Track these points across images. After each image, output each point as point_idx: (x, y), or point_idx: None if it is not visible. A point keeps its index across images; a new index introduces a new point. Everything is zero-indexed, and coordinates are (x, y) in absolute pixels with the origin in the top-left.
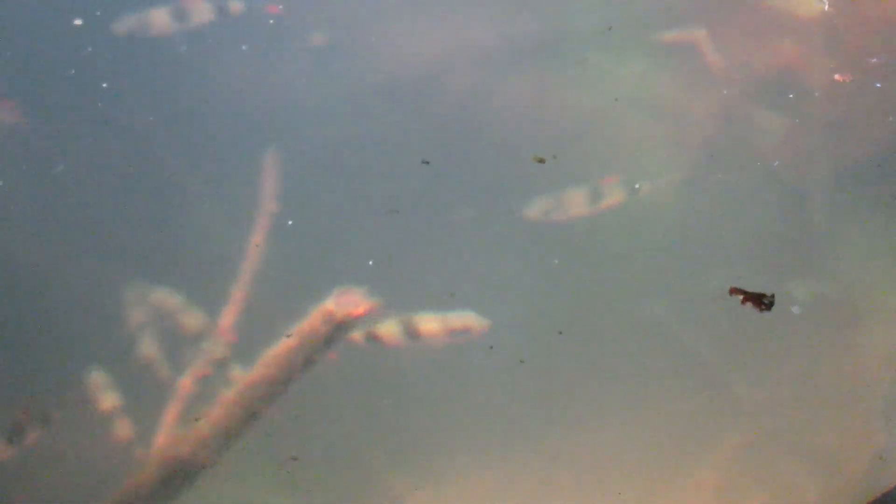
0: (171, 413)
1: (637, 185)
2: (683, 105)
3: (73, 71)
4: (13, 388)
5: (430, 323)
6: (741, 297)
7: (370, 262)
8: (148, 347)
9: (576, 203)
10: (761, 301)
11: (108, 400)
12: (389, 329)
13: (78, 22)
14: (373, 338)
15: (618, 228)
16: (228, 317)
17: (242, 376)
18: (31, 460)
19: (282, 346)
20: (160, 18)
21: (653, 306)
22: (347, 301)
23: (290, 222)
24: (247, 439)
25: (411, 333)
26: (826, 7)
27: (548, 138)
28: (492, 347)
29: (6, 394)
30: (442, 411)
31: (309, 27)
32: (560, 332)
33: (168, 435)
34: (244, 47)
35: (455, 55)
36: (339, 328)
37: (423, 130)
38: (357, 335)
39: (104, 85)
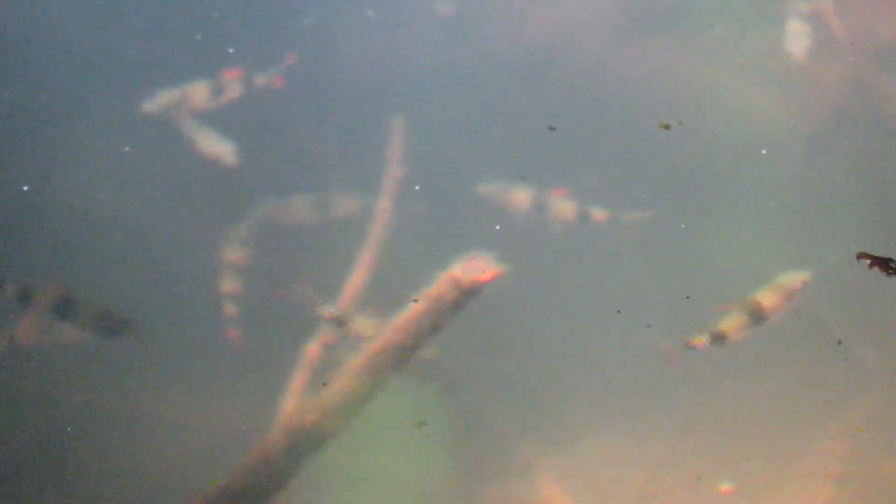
0: (297, 381)
1: (764, 151)
2: (809, 72)
3: (200, 36)
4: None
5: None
6: (868, 261)
7: (497, 227)
8: (274, 314)
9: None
10: (889, 266)
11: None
12: None
13: None
14: None
15: (744, 193)
16: (356, 282)
17: (370, 343)
18: (167, 426)
19: (409, 312)
20: None
21: (780, 271)
22: (474, 267)
23: (416, 187)
24: (373, 406)
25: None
26: None
27: (674, 105)
28: (619, 311)
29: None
30: (569, 378)
31: None
32: (687, 297)
33: (295, 403)
34: (370, 13)
35: (580, 23)
36: (466, 294)
37: (548, 97)
38: None
39: (230, 50)
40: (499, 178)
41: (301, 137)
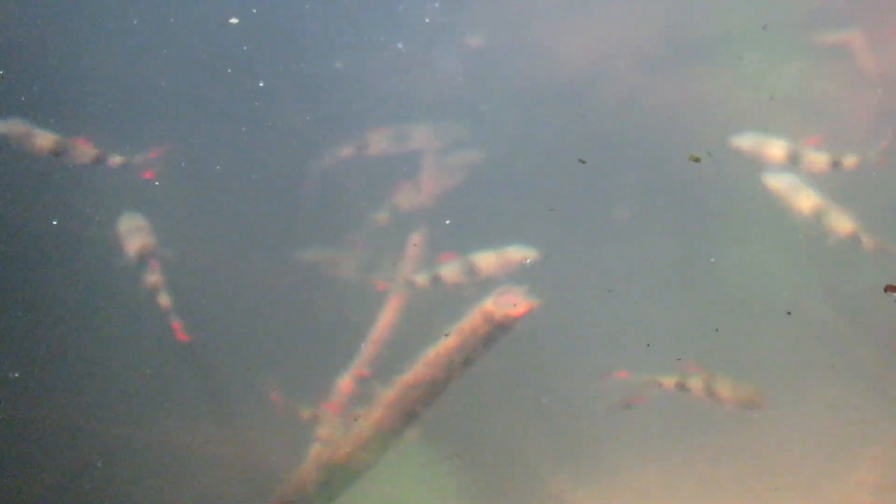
0: (330, 414)
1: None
2: (837, 104)
3: (230, 70)
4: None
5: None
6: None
7: (527, 260)
8: (307, 347)
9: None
10: None
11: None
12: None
13: (234, 20)
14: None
15: (775, 226)
16: (387, 316)
17: (402, 377)
18: (201, 460)
19: (441, 346)
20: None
21: (810, 302)
22: (507, 301)
23: (447, 221)
24: (407, 438)
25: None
26: None
27: (704, 137)
28: (649, 345)
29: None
30: (602, 410)
31: (465, 27)
32: (716, 330)
33: (328, 436)
34: (399, 45)
35: (610, 55)
36: (498, 328)
37: (579, 130)
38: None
39: (260, 84)
40: (530, 211)
41: (330, 171)
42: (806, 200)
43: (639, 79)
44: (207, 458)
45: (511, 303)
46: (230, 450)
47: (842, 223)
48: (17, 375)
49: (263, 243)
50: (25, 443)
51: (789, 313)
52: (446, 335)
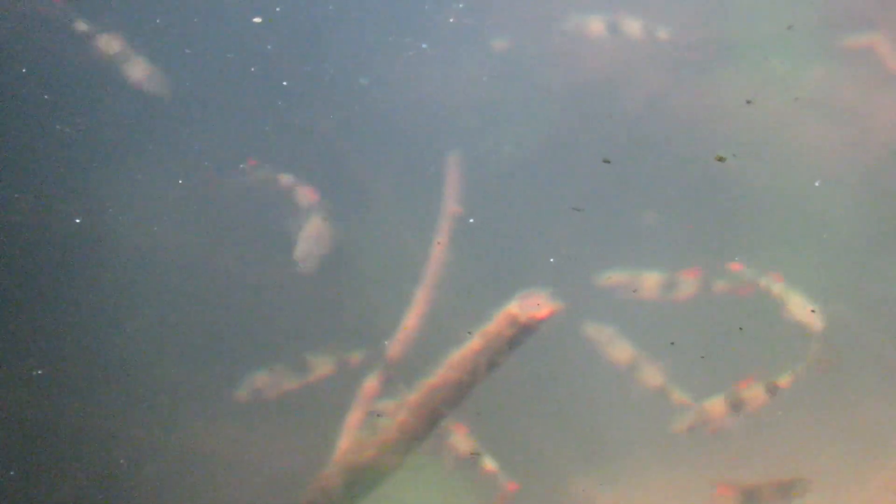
0: (354, 416)
1: (817, 183)
2: (863, 107)
3: (254, 68)
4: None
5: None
6: None
7: (551, 260)
8: (330, 349)
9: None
10: None
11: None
12: None
13: (257, 20)
14: None
15: (797, 228)
16: (413, 318)
17: (427, 379)
18: (226, 463)
19: (466, 349)
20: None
21: (837, 307)
22: (531, 304)
23: (471, 220)
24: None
25: None
26: None
27: (728, 138)
28: (672, 343)
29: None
30: (625, 411)
31: (490, 29)
32: (741, 328)
33: (352, 439)
34: (424, 45)
35: (636, 58)
36: (523, 330)
37: (604, 131)
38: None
39: (284, 83)
40: (555, 211)
41: (358, 172)
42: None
43: (664, 80)
44: (232, 462)
45: (535, 305)
46: (255, 453)
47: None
48: (40, 373)
49: (284, 244)
50: (49, 445)
51: (813, 311)
52: (470, 333)
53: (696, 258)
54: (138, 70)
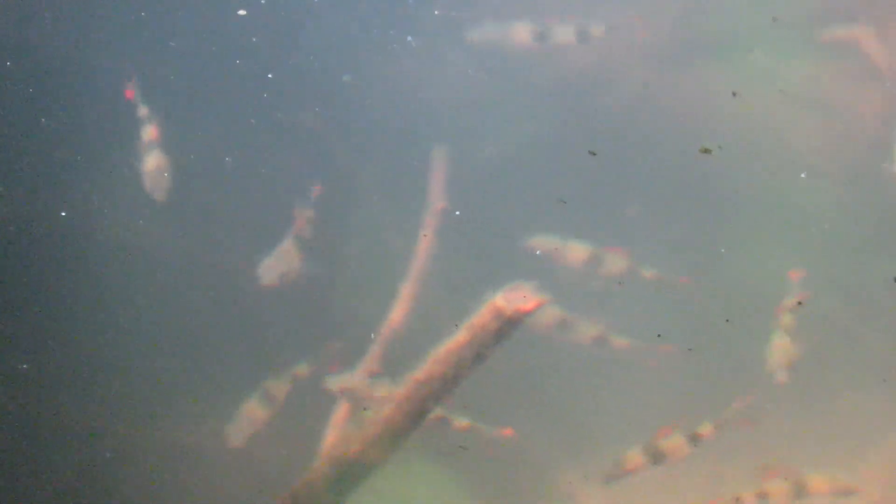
0: (340, 411)
1: (803, 175)
2: (848, 99)
3: (239, 61)
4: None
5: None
6: None
7: (538, 252)
8: (318, 344)
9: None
10: None
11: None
12: None
13: (242, 12)
14: None
15: (782, 220)
16: (399, 311)
17: (412, 374)
18: (210, 458)
19: (451, 343)
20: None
21: (823, 298)
22: (517, 296)
23: (457, 212)
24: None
25: None
26: None
27: (714, 130)
28: (659, 335)
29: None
30: (610, 405)
31: (476, 22)
32: (727, 320)
33: (338, 433)
34: (409, 38)
35: (621, 51)
36: (509, 323)
37: (590, 124)
38: None
39: (269, 76)
40: (540, 203)
41: (343, 165)
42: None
43: (648, 74)
44: (217, 456)
45: (521, 298)
46: (240, 447)
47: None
48: (25, 367)
49: (269, 235)
50: (34, 439)
51: (800, 303)
52: (456, 326)
53: (684, 250)
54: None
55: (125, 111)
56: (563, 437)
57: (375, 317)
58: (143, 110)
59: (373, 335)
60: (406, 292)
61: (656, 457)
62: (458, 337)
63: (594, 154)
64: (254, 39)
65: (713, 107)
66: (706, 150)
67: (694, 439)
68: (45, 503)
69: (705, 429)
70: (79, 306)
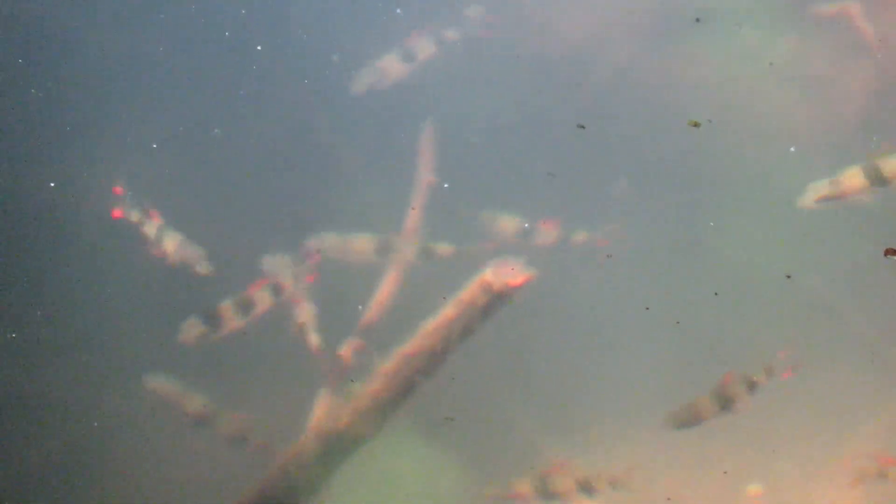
0: (328, 384)
1: (792, 149)
2: (837, 74)
3: (228, 33)
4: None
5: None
6: None
7: (526, 225)
8: (304, 317)
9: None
10: None
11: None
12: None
13: None
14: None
15: (771, 196)
16: (386, 286)
17: (400, 348)
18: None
19: (440, 317)
20: None
21: (809, 271)
22: (505, 271)
23: (445, 185)
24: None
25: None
26: None
27: (703, 104)
28: (648, 308)
29: None
30: (595, 378)
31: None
32: (716, 294)
33: (326, 407)
34: (398, 10)
35: (610, 26)
36: (497, 298)
37: (578, 99)
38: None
39: (258, 48)
40: (530, 177)
41: (332, 141)
42: (853, 178)
43: (636, 48)
44: (205, 429)
45: (509, 273)
46: (228, 420)
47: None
48: (14, 336)
49: (260, 210)
50: (22, 410)
51: (789, 276)
52: (444, 299)
53: (673, 224)
54: None
55: (114, 83)
56: (552, 412)
57: (363, 291)
58: (134, 215)
59: (360, 307)
60: (394, 266)
61: (725, 403)
62: (447, 311)
63: (583, 128)
64: (243, 11)
65: (702, 81)
66: (695, 124)
67: (751, 386)
68: (33, 473)
69: (760, 377)
70: (68, 276)
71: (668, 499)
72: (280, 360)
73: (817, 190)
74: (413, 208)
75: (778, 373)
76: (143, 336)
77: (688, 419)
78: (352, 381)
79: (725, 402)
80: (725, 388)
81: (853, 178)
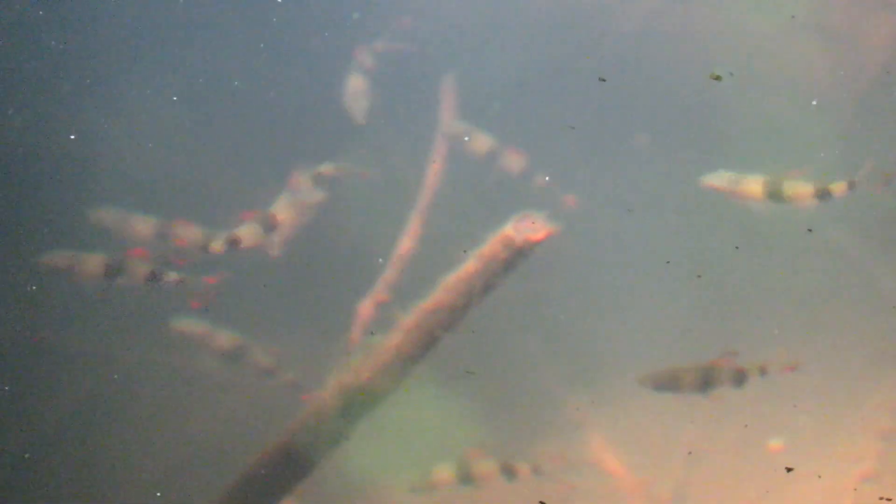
0: (350, 339)
1: (814, 102)
2: (859, 27)
3: None
4: None
5: None
6: None
7: (546, 178)
8: (327, 273)
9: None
10: None
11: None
12: None
13: None
14: None
15: (793, 147)
16: (408, 241)
17: (422, 302)
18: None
19: (461, 272)
20: None
21: (832, 229)
22: (527, 226)
23: (466, 138)
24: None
25: None
26: None
27: (724, 57)
28: (668, 262)
29: None
30: (618, 330)
31: None
32: (737, 247)
33: (347, 361)
34: None
35: None
36: (518, 253)
37: (599, 52)
38: None
39: (279, 0)
40: (550, 129)
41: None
42: (753, 185)
43: (658, 2)
44: (225, 384)
45: (531, 228)
46: (248, 375)
47: (801, 188)
48: (34, 289)
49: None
50: (44, 362)
51: (810, 230)
52: (465, 252)
53: (690, 177)
54: None
55: (134, 36)
56: (572, 365)
57: (385, 245)
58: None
59: (381, 260)
60: (415, 220)
61: (704, 386)
62: (468, 266)
63: (604, 80)
64: None
65: (723, 34)
66: (717, 77)
67: (739, 379)
68: (55, 425)
69: (753, 371)
70: (88, 228)
71: (690, 452)
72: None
73: (718, 179)
74: (434, 162)
75: (772, 372)
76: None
77: (666, 385)
78: (372, 334)
79: (705, 386)
80: (713, 370)
81: (753, 185)
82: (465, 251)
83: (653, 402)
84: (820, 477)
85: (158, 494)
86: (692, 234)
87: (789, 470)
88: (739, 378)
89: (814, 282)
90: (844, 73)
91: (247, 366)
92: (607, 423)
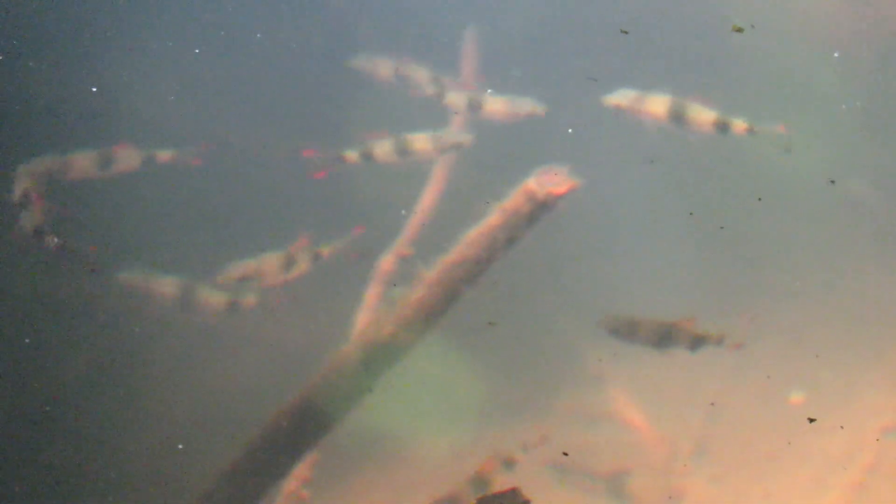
0: (372, 293)
1: (836, 55)
2: None
3: None
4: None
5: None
6: None
7: (569, 130)
8: (350, 225)
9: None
10: None
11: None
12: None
13: None
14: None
15: (815, 102)
16: (430, 195)
17: (444, 256)
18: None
19: (483, 226)
20: None
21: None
22: (550, 179)
23: (489, 91)
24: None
25: None
26: None
27: (746, 9)
28: (692, 213)
29: None
30: (637, 284)
31: None
32: (759, 198)
33: (369, 316)
34: None
35: None
36: (541, 206)
37: (620, 5)
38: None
39: None
40: (571, 82)
41: (372, 47)
42: (657, 104)
43: None
44: (246, 339)
45: (554, 181)
46: (273, 330)
47: (704, 114)
48: (56, 241)
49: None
50: (65, 317)
51: (833, 182)
52: (488, 203)
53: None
54: None
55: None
56: (593, 318)
57: (408, 199)
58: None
59: (404, 212)
60: (438, 174)
61: (661, 343)
62: (491, 220)
63: (626, 33)
64: None
65: None
66: (738, 29)
67: (696, 343)
68: (76, 379)
69: (711, 337)
70: (109, 182)
71: (712, 403)
72: None
73: (622, 97)
74: (456, 114)
75: (726, 343)
76: (188, 245)
77: (622, 333)
78: (395, 286)
79: (661, 342)
80: (672, 329)
81: (656, 105)
82: (487, 202)
83: (674, 355)
84: (842, 428)
85: (180, 447)
86: (714, 186)
87: (812, 420)
88: (696, 343)
89: (835, 233)
90: (866, 26)
91: (199, 307)
92: (629, 375)
